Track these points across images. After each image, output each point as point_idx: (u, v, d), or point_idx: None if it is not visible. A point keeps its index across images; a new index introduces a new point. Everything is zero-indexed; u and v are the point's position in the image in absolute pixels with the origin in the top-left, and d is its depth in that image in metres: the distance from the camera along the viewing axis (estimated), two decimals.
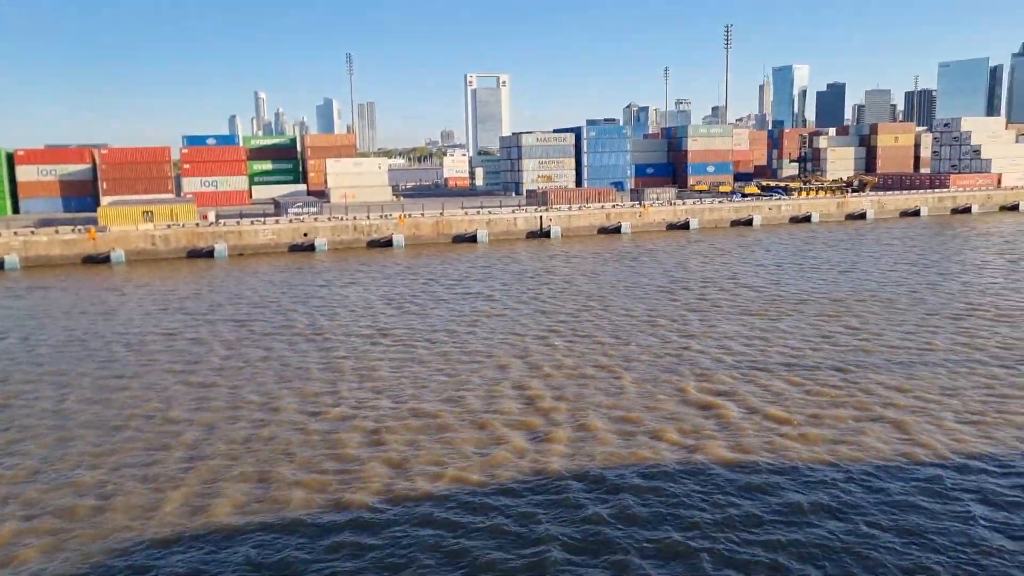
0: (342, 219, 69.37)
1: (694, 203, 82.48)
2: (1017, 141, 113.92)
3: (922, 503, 16.86)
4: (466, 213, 73.18)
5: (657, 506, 17.15)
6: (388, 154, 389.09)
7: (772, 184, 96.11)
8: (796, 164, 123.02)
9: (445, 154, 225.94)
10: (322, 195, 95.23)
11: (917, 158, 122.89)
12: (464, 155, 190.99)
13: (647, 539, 15.70)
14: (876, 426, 21.52)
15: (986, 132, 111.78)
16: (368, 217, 69.86)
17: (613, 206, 79.16)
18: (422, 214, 72.09)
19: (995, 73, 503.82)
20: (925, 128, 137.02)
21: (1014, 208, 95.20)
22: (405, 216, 70.63)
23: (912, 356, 28.72)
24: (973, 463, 18.99)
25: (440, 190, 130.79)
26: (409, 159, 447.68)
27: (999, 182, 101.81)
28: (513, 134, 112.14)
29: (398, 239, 68.58)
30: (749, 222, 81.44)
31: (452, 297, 43.32)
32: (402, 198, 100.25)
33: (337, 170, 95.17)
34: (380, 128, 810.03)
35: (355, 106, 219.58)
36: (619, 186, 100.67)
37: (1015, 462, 18.97)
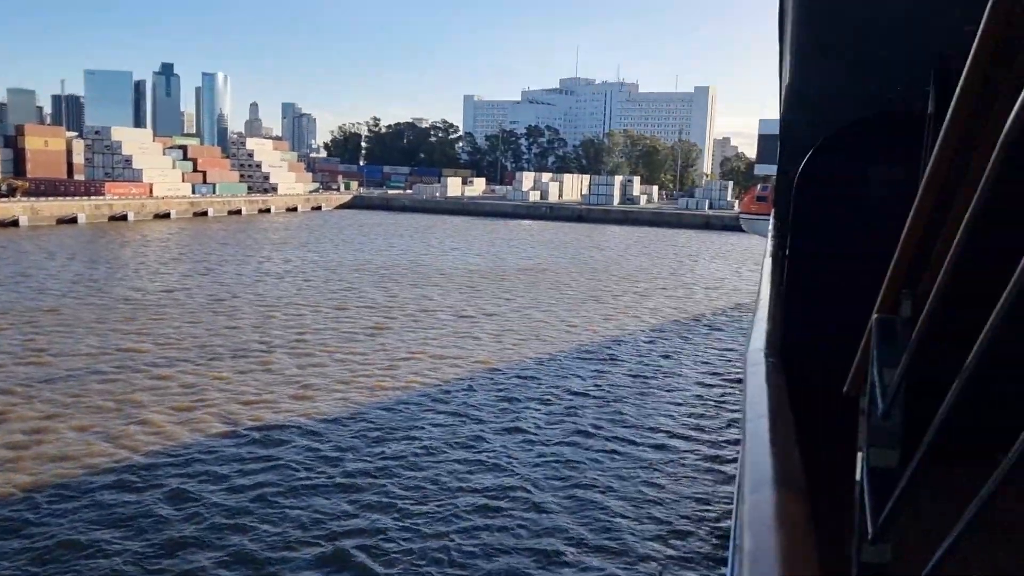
0: None
1: None
2: (165, 153, 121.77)
3: (125, 499, 15.78)
4: None
5: None
6: None
7: None
8: None
9: None
10: None
11: (71, 164, 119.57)
12: None
13: None
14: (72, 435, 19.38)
15: (136, 143, 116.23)
16: None
17: None
18: None
19: (139, 87, 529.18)
20: (76, 134, 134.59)
21: (166, 216, 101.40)
22: None
23: (100, 363, 27.14)
24: (181, 451, 18.98)
25: None
26: None
27: (151, 191, 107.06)
28: None
29: None
30: None
31: None
32: None
33: None
34: None
35: None
36: None
37: (220, 446, 19.48)
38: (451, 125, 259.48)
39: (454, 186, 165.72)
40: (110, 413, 22.65)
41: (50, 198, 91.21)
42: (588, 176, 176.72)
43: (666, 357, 32.93)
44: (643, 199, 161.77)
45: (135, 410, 22.99)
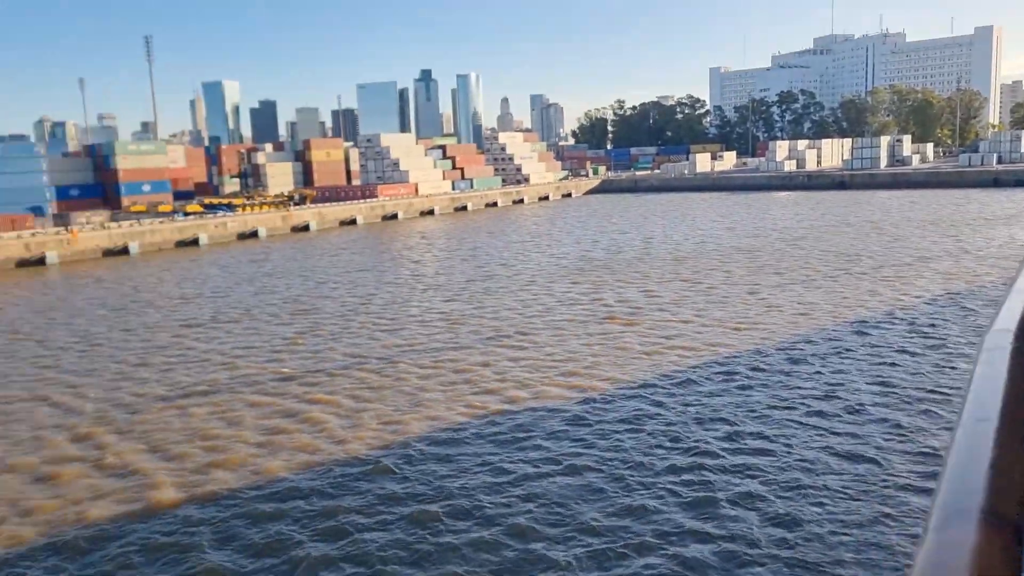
0: None
1: (132, 225, 76.05)
2: (427, 154, 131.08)
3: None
4: None
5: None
6: None
7: (216, 201, 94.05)
8: (238, 180, 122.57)
9: None
10: None
11: (348, 171, 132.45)
12: None
13: None
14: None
15: (402, 147, 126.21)
16: None
17: (32, 234, 68.49)
18: None
19: (403, 95, 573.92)
20: (352, 143, 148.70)
21: (430, 213, 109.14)
22: None
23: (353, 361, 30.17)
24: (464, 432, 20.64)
25: None
26: None
27: (416, 191, 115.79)
28: None
29: None
30: (195, 241, 78.15)
31: None
32: None
33: None
34: None
35: None
36: (38, 211, 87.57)
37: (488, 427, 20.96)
38: (697, 100, 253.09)
39: (703, 162, 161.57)
40: (387, 391, 25.02)
41: (333, 203, 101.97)
42: (849, 140, 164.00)
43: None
44: (915, 159, 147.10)
45: (417, 393, 25.21)
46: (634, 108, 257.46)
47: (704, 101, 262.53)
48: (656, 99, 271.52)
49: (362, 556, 15.11)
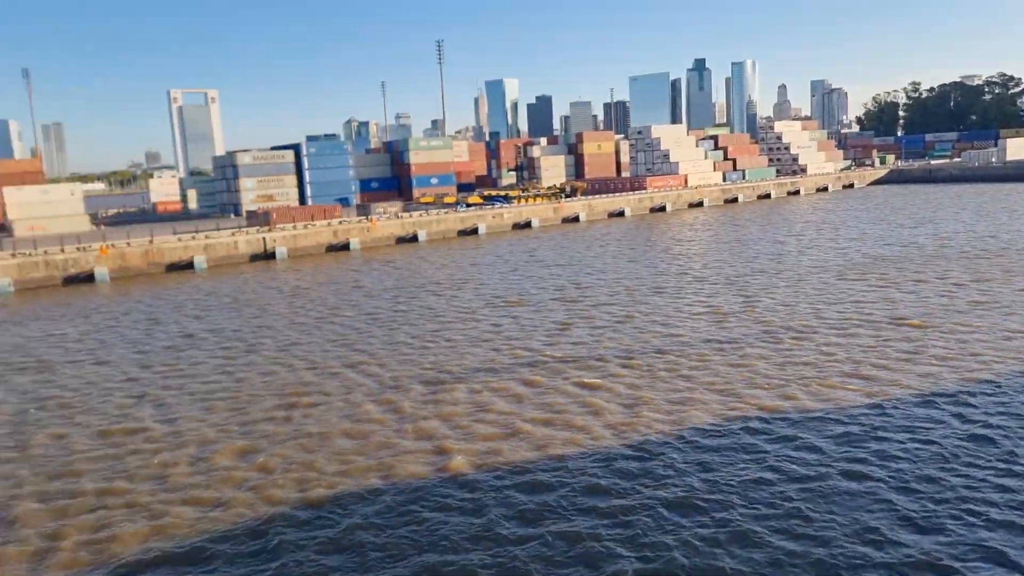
0: (29, 254, 60.64)
1: (421, 215, 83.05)
2: (697, 145, 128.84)
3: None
4: (179, 239, 67.31)
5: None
6: (84, 179, 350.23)
7: (494, 193, 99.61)
8: (514, 173, 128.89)
9: (152, 176, 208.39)
10: (2, 228, 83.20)
11: (618, 163, 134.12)
12: (174, 177, 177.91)
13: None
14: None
15: (672, 138, 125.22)
16: (63, 250, 61.75)
17: (340, 222, 77.28)
18: (128, 243, 65.12)
19: (675, 85, 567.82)
20: (623, 136, 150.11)
21: (699, 205, 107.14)
22: (108, 246, 63.38)
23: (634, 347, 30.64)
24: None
25: (148, 216, 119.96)
26: (110, 184, 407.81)
27: (686, 182, 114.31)
28: (228, 153, 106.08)
29: (101, 273, 61.22)
30: (475, 231, 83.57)
31: (180, 332, 39.27)
32: (103, 227, 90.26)
33: (20, 199, 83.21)
34: (72, 151, 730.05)
35: (38, 127, 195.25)
36: (344, 202, 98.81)
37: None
38: (1011, 78, 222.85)
39: (1015, 148, 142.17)
40: (657, 381, 25.28)
41: (602, 195, 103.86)
42: None
43: None
44: None
45: (685, 384, 25.29)
46: (931, 90, 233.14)
47: (1020, 79, 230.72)
48: (959, 79, 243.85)
49: (629, 538, 15.58)
